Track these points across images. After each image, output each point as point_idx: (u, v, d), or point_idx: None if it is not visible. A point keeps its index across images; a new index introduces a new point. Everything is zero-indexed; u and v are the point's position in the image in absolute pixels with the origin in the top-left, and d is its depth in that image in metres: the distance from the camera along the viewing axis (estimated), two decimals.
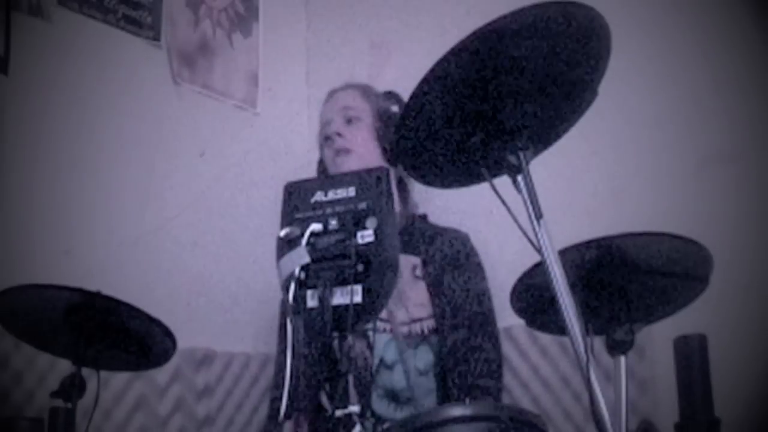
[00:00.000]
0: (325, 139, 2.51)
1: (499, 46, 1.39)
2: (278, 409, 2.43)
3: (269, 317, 2.61)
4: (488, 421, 1.37)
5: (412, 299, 2.33)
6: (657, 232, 1.72)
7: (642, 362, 2.37)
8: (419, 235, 2.45)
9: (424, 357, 2.31)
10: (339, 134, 2.43)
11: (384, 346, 2.29)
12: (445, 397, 2.30)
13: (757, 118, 2.38)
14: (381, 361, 2.28)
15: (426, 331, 2.33)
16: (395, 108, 2.46)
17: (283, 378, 2.38)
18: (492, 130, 1.45)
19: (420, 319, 2.32)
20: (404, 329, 2.31)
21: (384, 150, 2.42)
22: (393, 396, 2.27)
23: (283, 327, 2.48)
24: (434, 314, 2.33)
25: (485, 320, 2.38)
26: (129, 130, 2.60)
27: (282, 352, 2.47)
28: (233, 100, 2.94)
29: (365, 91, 2.54)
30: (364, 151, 2.42)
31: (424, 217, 2.55)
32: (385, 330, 2.30)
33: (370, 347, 2.27)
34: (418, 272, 2.38)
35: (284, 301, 2.44)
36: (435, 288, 2.36)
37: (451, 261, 2.41)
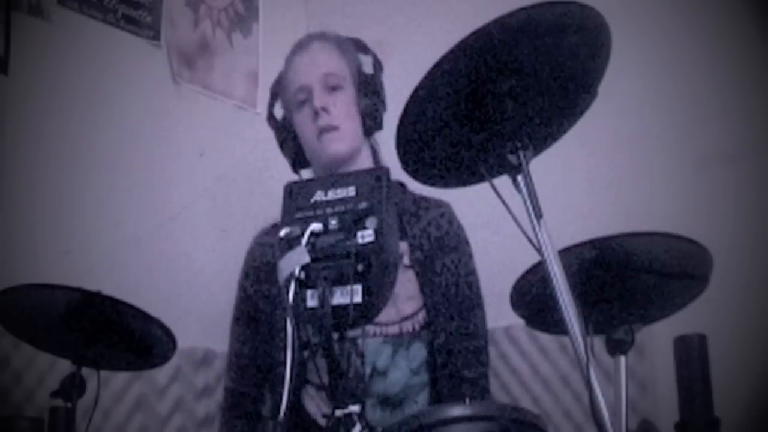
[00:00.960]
0: (300, 104, 2.25)
1: (499, 45, 1.39)
2: (230, 405, 2.31)
3: None
4: (488, 421, 1.37)
5: (401, 294, 2.19)
6: (657, 232, 1.72)
7: (642, 362, 2.37)
8: (402, 212, 2.28)
9: (417, 355, 2.21)
10: (325, 110, 2.20)
11: (375, 351, 2.17)
12: (438, 391, 2.21)
13: (757, 119, 2.38)
14: (373, 368, 2.17)
15: (417, 327, 2.21)
16: (370, 68, 2.28)
17: (242, 367, 2.32)
18: (492, 130, 1.45)
19: (411, 316, 2.20)
20: (395, 329, 2.19)
21: (363, 122, 2.25)
22: (387, 402, 2.18)
23: (241, 312, 2.34)
24: (426, 306, 2.21)
25: (474, 303, 2.27)
26: (129, 130, 2.60)
27: (239, 339, 2.33)
28: (233, 99, 2.94)
29: (341, 45, 2.30)
30: (348, 125, 2.22)
31: (402, 187, 2.31)
32: (375, 334, 2.17)
33: (361, 355, 2.15)
34: (406, 260, 2.23)
35: (246, 288, 2.30)
36: (425, 278, 2.22)
37: (440, 244, 2.26)
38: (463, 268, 2.27)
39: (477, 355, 2.22)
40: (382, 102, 2.27)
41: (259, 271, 2.31)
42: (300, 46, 2.30)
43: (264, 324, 2.25)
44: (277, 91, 2.37)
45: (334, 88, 2.23)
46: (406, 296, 2.20)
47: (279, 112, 2.37)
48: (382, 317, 2.11)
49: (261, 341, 2.26)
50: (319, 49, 2.28)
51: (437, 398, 2.21)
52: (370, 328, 2.16)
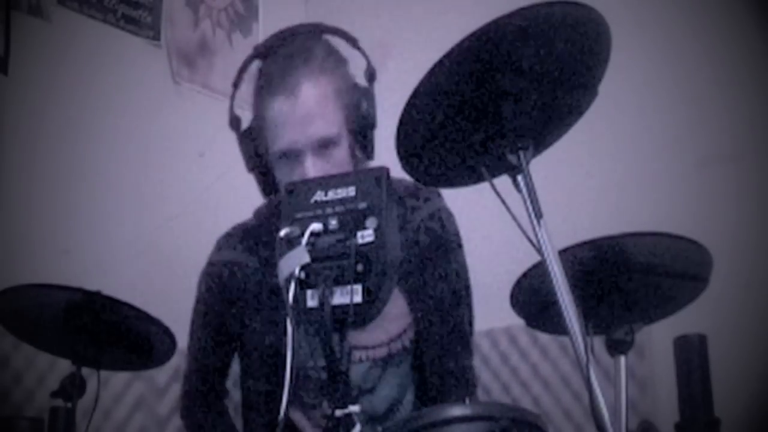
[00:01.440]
0: (284, 157, 1.93)
1: (499, 45, 1.39)
2: (193, 399, 2.15)
3: None
4: (488, 421, 1.37)
5: (389, 313, 1.96)
6: (657, 232, 1.72)
7: (642, 362, 2.37)
8: None
9: (406, 369, 2.08)
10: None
11: (363, 376, 2.03)
12: (422, 390, 2.09)
13: (757, 118, 2.39)
14: (359, 389, 2.03)
15: (408, 343, 2.06)
16: (365, 102, 1.94)
17: (200, 366, 2.11)
18: (492, 130, 1.45)
19: (400, 335, 2.05)
20: (383, 351, 2.04)
21: (355, 164, 1.97)
22: (375, 418, 2.06)
23: (203, 322, 2.14)
24: (416, 322, 2.04)
25: (462, 294, 2.10)
26: (128, 130, 2.60)
27: (201, 346, 2.14)
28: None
29: (334, 81, 1.93)
30: None
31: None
32: (361, 360, 2.03)
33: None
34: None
35: (209, 303, 2.09)
36: (415, 295, 2.04)
37: (431, 252, 2.05)
38: (455, 267, 2.10)
39: (463, 347, 2.09)
40: (374, 122, 1.97)
41: (224, 293, 2.10)
42: (285, 87, 1.90)
43: (231, 341, 2.12)
44: (239, 83, 2.04)
45: (327, 146, 1.91)
46: (394, 315, 2.03)
47: (242, 107, 2.04)
48: (370, 340, 2.03)
49: (225, 351, 2.15)
50: (310, 99, 1.89)
51: (422, 398, 2.13)
52: (356, 354, 2.01)
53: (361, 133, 1.95)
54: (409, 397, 2.11)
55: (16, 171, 2.33)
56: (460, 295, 2.12)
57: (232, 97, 2.04)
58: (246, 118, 2.04)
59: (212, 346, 2.14)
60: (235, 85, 2.04)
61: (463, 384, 2.08)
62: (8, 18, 2.33)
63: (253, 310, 2.07)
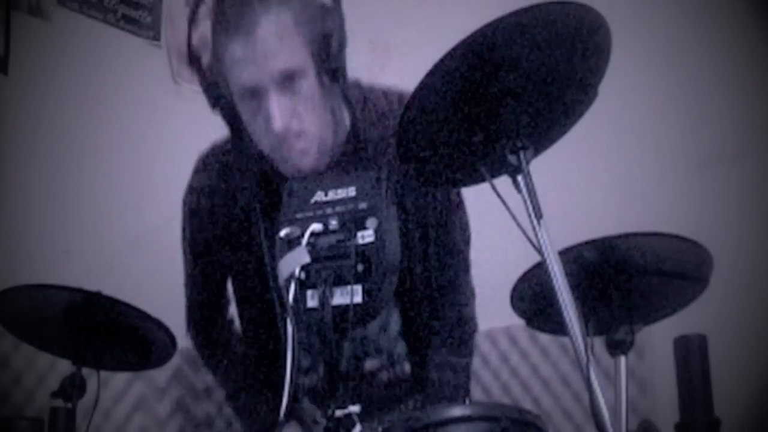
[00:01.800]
0: (247, 99, 1.81)
1: (499, 45, 1.39)
2: (187, 318, 2.18)
3: None
4: (488, 422, 1.37)
5: None
6: (657, 232, 1.73)
7: (642, 362, 2.37)
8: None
9: (395, 317, 2.04)
10: (290, 130, 1.80)
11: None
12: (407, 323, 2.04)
13: (758, 118, 2.39)
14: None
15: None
16: (330, 22, 1.82)
17: (196, 292, 2.14)
18: (492, 130, 1.45)
19: None
20: None
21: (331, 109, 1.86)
22: (367, 341, 2.04)
23: (187, 231, 2.13)
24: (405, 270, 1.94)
25: (457, 250, 2.07)
26: (128, 130, 2.60)
27: (189, 261, 2.16)
28: None
29: (299, 12, 1.79)
30: (316, 125, 1.82)
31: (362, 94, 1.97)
32: None
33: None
34: None
35: (196, 236, 2.09)
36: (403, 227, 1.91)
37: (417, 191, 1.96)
38: (441, 199, 2.02)
39: (454, 305, 2.06)
40: (342, 43, 1.84)
41: (202, 218, 2.10)
42: (242, 27, 1.77)
43: (219, 263, 2.12)
44: (196, 19, 1.89)
45: (292, 78, 1.79)
46: None
47: (202, 50, 1.89)
48: None
49: (215, 271, 2.14)
50: (270, 35, 1.76)
51: (407, 332, 2.06)
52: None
53: (328, 58, 1.81)
54: (395, 317, 2.07)
55: (16, 171, 2.33)
56: (450, 227, 2.07)
57: (189, 34, 1.88)
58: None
59: (201, 268, 2.15)
60: (191, 21, 1.88)
61: (452, 346, 2.05)
62: (8, 18, 2.33)
63: (231, 235, 2.04)
